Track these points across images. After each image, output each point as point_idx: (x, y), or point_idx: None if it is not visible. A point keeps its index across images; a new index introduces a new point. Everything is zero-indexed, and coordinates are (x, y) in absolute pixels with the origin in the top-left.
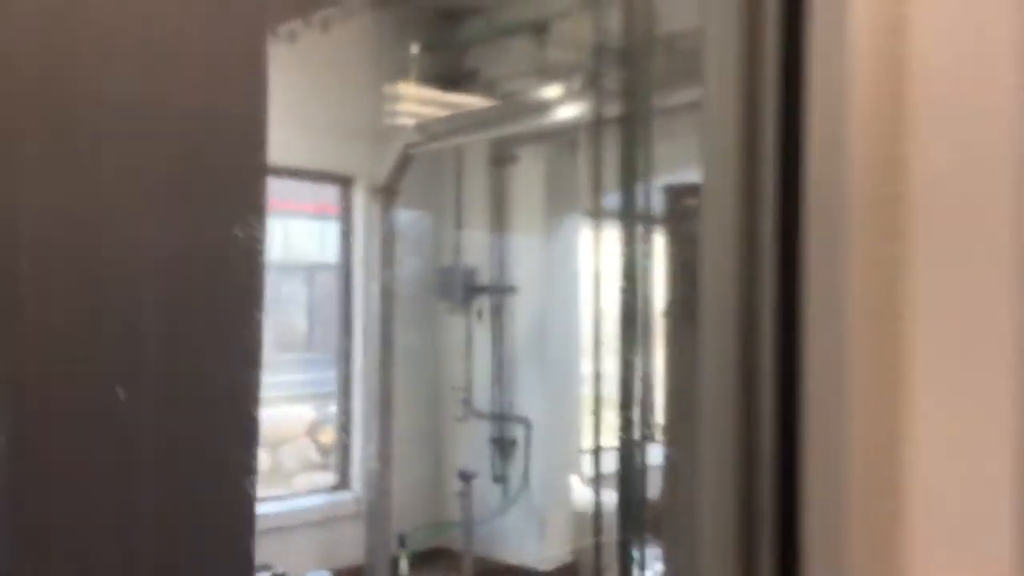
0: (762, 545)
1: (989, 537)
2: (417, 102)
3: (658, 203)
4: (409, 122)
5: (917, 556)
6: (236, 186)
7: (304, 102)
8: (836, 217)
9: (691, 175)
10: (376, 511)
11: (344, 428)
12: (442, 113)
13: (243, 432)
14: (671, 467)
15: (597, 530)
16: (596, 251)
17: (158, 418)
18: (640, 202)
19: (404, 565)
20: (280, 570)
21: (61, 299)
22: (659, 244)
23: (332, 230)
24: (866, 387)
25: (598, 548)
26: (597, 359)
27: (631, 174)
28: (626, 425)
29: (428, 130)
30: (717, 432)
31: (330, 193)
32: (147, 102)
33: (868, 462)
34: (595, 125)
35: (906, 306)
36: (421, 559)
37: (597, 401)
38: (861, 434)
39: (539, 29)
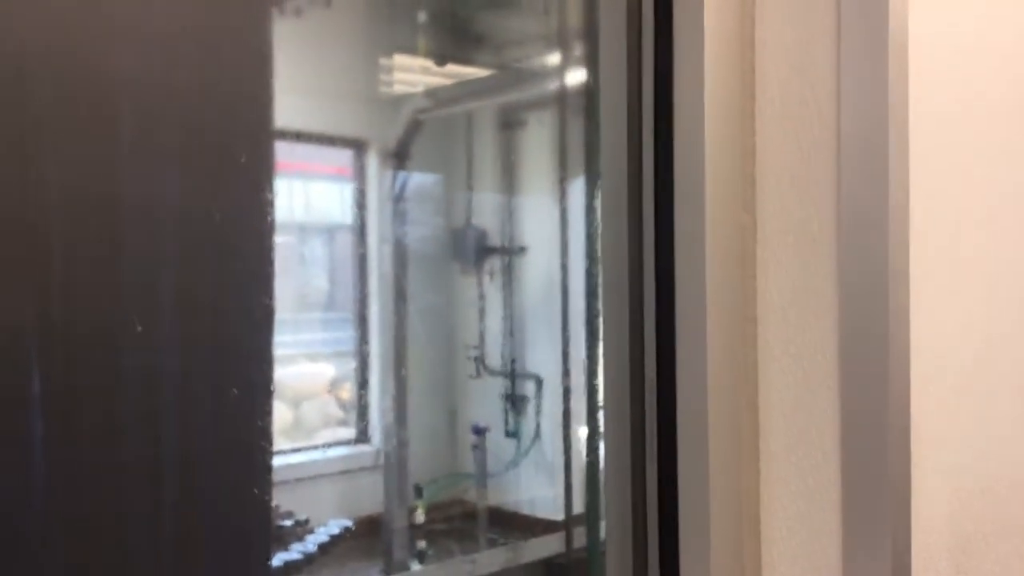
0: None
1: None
2: (423, 71)
3: None
4: (416, 89)
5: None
6: (244, 150)
7: (316, 72)
8: (699, 193)
9: None
10: (393, 463)
11: (362, 384)
12: (448, 81)
13: (257, 386)
14: None
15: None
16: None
17: (177, 374)
18: None
19: (420, 514)
20: (304, 517)
21: (84, 259)
22: None
23: (350, 192)
24: (722, 327)
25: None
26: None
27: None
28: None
29: (436, 96)
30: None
31: (347, 156)
32: (158, 74)
33: (724, 393)
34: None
35: (755, 265)
36: (437, 509)
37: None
38: (720, 376)
39: None
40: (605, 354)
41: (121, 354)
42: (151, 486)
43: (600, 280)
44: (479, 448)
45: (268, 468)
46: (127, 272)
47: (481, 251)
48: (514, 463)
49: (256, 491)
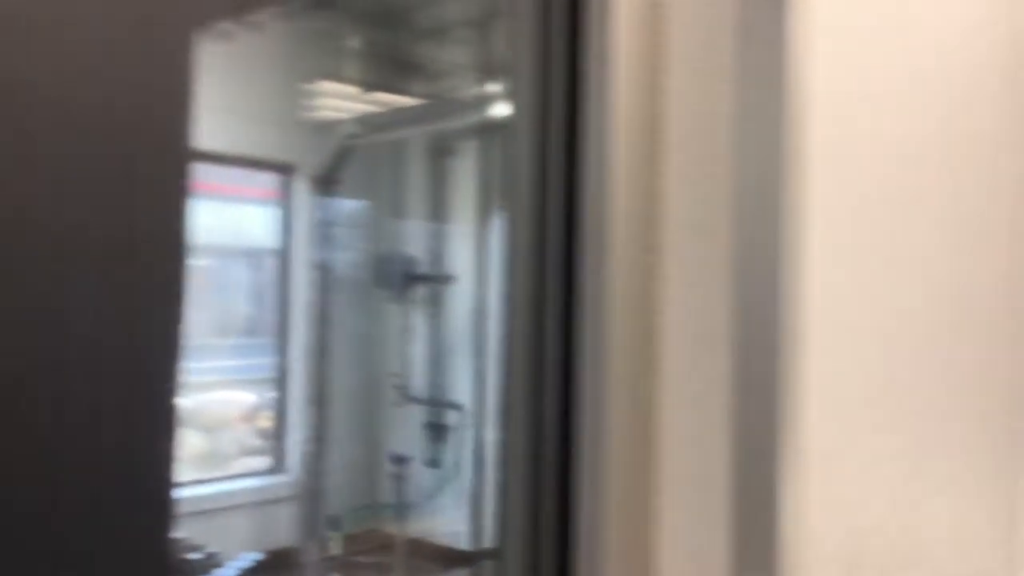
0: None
1: (713, 500)
2: (351, 98)
3: None
4: (346, 116)
5: (664, 509)
6: (159, 170)
7: (245, 95)
8: (604, 235)
9: None
10: (310, 494)
11: (281, 412)
12: (378, 108)
13: (163, 417)
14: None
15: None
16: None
17: (78, 404)
18: None
19: (337, 545)
20: (214, 550)
21: None
22: None
23: (277, 216)
24: (623, 365)
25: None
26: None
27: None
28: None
29: (366, 123)
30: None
31: (275, 180)
32: (73, 93)
33: (623, 429)
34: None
35: (660, 303)
36: (354, 541)
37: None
38: (619, 402)
39: (478, 27)
40: (506, 390)
41: (19, 380)
42: (45, 517)
43: (507, 313)
44: (399, 478)
45: (170, 500)
46: (29, 293)
47: (407, 279)
48: (434, 493)
49: (156, 524)
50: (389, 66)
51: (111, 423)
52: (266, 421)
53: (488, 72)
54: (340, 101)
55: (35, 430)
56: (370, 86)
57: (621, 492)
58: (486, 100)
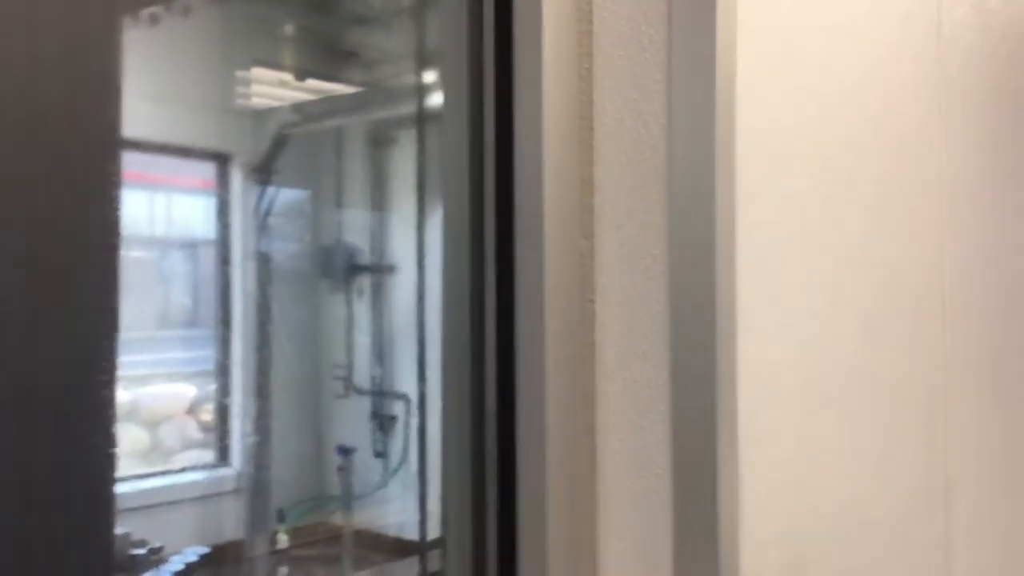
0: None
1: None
2: (283, 85)
3: None
4: (282, 103)
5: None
6: (89, 161)
7: (174, 82)
8: (539, 221)
9: None
10: (255, 487)
11: (223, 405)
12: (315, 96)
13: (99, 411)
14: None
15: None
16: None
17: (10, 398)
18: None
19: (283, 539)
20: (158, 545)
21: None
22: None
23: (213, 206)
24: (561, 351)
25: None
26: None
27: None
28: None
29: (303, 111)
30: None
31: (210, 169)
32: None
33: (563, 416)
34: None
35: (596, 289)
36: (301, 533)
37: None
38: (558, 392)
39: (415, 13)
40: (445, 380)
41: None
42: None
43: (444, 304)
44: (344, 469)
45: (111, 496)
46: None
47: (349, 269)
48: (381, 484)
49: (97, 520)
50: (324, 53)
51: (45, 418)
52: (208, 414)
53: (424, 61)
54: (275, 89)
55: None
56: (305, 73)
57: (562, 480)
58: (422, 89)
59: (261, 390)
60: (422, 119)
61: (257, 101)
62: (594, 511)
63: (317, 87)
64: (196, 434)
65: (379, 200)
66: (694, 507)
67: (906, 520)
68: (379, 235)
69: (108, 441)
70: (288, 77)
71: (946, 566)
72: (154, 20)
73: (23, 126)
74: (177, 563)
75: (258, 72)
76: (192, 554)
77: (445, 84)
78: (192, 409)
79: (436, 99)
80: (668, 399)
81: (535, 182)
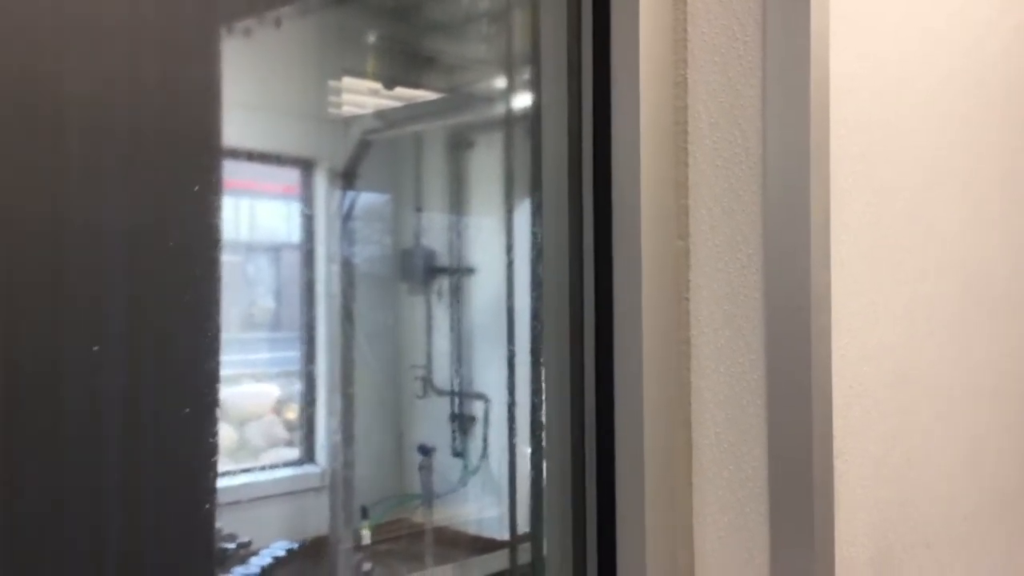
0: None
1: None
2: (371, 93)
3: None
4: (366, 110)
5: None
6: (193, 168)
7: (264, 91)
8: (636, 221)
9: None
10: (339, 484)
11: (308, 404)
12: (398, 103)
13: (203, 407)
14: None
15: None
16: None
17: (121, 395)
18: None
19: (367, 535)
20: (247, 539)
21: (25, 270)
22: None
23: (297, 211)
24: (658, 348)
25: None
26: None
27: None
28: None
29: (385, 118)
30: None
31: (295, 175)
32: (105, 88)
33: (660, 410)
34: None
35: (688, 289)
36: (383, 530)
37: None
38: (655, 391)
39: (497, 20)
40: (547, 376)
41: (64, 377)
42: (95, 510)
43: (543, 302)
44: (425, 468)
45: (213, 490)
46: (71, 292)
47: (429, 271)
48: (461, 483)
49: (200, 514)
50: (408, 60)
51: (154, 418)
52: (292, 413)
53: (506, 65)
54: (359, 96)
55: (83, 425)
56: (389, 81)
57: (660, 478)
58: (504, 93)
59: (344, 390)
60: (501, 123)
61: (342, 109)
62: (690, 502)
63: (400, 94)
64: (282, 432)
65: (457, 203)
66: (789, 498)
67: (996, 516)
68: (458, 238)
69: (212, 439)
70: (372, 85)
71: None
72: (247, 32)
73: (132, 137)
74: (265, 556)
75: (343, 81)
76: (279, 549)
77: (544, 91)
78: (277, 408)
79: (515, 103)
80: (763, 392)
81: (632, 186)
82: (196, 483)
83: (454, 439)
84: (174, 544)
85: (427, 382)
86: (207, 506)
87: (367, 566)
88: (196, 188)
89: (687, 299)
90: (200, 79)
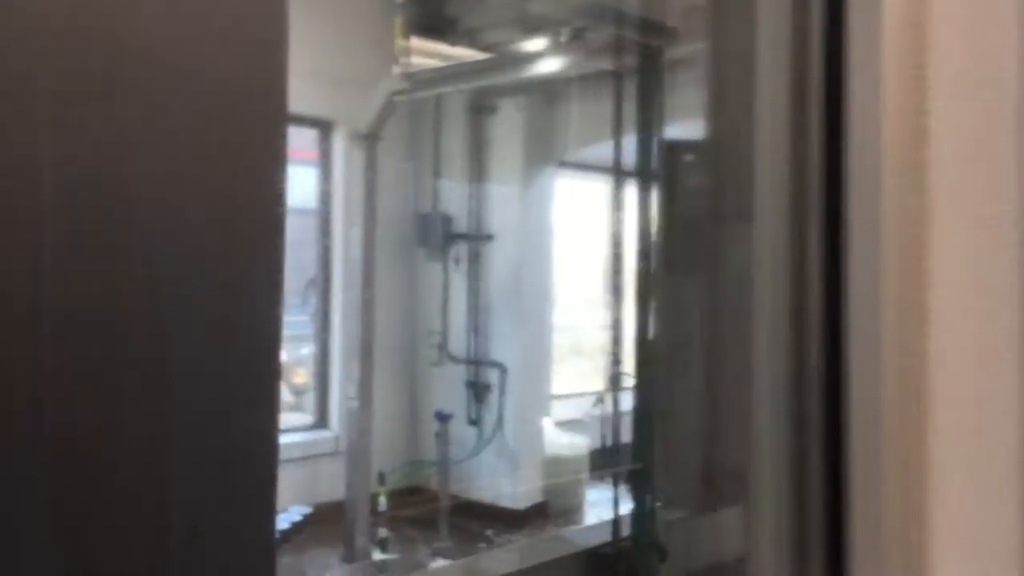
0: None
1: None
2: (403, 51)
3: (643, 158)
4: (395, 70)
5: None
6: (258, 137)
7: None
8: (875, 177)
9: (683, 131)
10: (355, 449)
11: (322, 369)
12: (428, 62)
13: (267, 369)
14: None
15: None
16: (574, 203)
17: (187, 357)
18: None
19: (383, 501)
20: None
21: (84, 235)
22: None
23: (304, 176)
24: (897, 307)
25: (567, 488)
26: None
27: (618, 128)
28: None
29: (414, 79)
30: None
31: (305, 138)
32: (169, 51)
33: (896, 386)
34: (579, 78)
35: (931, 253)
36: (399, 496)
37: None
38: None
39: None
40: (767, 341)
41: (128, 345)
42: (159, 480)
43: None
44: (442, 435)
45: (276, 450)
46: (136, 266)
47: (447, 237)
48: (475, 451)
49: (265, 474)
50: (436, 21)
51: (221, 375)
52: (300, 377)
53: (532, 28)
54: (385, 56)
55: (147, 396)
56: (416, 40)
57: (895, 486)
58: (531, 57)
59: (359, 354)
60: (526, 88)
61: (367, 69)
62: (927, 482)
63: (428, 51)
64: (288, 397)
65: (478, 170)
66: None
67: None
68: (478, 204)
69: (274, 409)
70: (399, 44)
71: None
72: None
73: (198, 103)
74: (283, 521)
75: (369, 40)
76: (296, 513)
77: (764, 31)
78: (284, 373)
79: (541, 67)
80: (1019, 366)
81: (871, 137)
82: (263, 445)
83: (469, 407)
84: (240, 520)
85: (442, 349)
86: (273, 466)
87: (383, 532)
88: (265, 154)
89: (927, 260)
90: (269, 36)
